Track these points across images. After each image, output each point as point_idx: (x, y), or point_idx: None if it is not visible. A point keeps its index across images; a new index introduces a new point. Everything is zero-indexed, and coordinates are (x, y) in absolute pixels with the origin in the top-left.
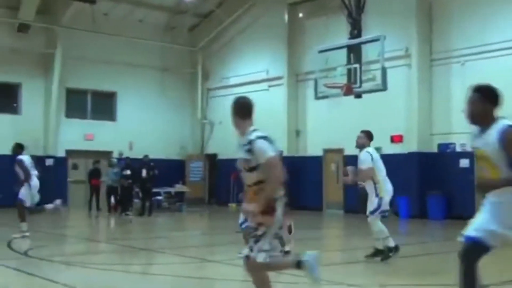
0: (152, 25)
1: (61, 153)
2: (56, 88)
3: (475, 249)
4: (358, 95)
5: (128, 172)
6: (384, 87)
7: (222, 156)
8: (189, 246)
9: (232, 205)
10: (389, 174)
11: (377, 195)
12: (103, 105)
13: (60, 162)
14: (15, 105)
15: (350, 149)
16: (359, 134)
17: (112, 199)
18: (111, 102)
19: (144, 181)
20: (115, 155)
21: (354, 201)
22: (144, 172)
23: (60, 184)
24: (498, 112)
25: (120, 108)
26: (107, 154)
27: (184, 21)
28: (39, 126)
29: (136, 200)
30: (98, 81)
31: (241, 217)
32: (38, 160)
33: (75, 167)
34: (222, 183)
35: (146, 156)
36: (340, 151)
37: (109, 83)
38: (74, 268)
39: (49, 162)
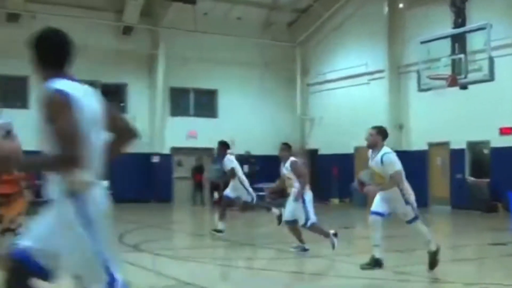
0: (251, 22)
1: (166, 151)
2: (160, 87)
3: None
4: (464, 87)
5: None
6: (491, 78)
7: (323, 151)
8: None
9: (334, 200)
10: (499, 168)
11: (407, 202)
12: (205, 103)
13: (166, 159)
14: (122, 104)
15: (456, 143)
16: (370, 130)
17: (215, 195)
18: (213, 100)
19: (246, 177)
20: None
21: (462, 197)
22: (245, 168)
23: (165, 181)
24: None
25: (221, 105)
26: (210, 151)
27: (283, 17)
28: (145, 125)
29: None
30: (200, 79)
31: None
32: (145, 158)
33: (179, 163)
34: (323, 178)
35: (247, 152)
36: (445, 144)
37: (210, 81)
38: (182, 262)
39: (155, 159)
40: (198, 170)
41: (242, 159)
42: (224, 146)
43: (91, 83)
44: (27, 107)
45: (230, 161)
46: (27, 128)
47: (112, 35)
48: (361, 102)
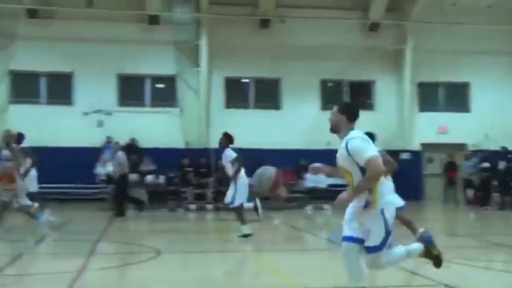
0: (502, 9)
1: (415, 147)
2: (408, 83)
3: None
4: None
5: (486, 164)
6: None
7: None
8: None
9: None
10: None
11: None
12: (456, 97)
13: (416, 156)
14: (370, 101)
15: None
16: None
17: (470, 192)
18: (464, 93)
19: (502, 174)
20: (470, 147)
21: None
22: (501, 165)
23: (415, 178)
24: None
25: (474, 99)
26: (461, 147)
27: None
28: (393, 121)
29: (495, 194)
30: (450, 73)
31: None
32: (394, 154)
33: (430, 160)
34: None
35: (503, 148)
36: None
37: (460, 74)
38: None
39: (404, 156)
40: (450, 167)
41: (498, 155)
42: (227, 137)
43: (339, 82)
44: (248, 107)
45: (229, 155)
46: (246, 127)
47: (358, 33)
48: None
